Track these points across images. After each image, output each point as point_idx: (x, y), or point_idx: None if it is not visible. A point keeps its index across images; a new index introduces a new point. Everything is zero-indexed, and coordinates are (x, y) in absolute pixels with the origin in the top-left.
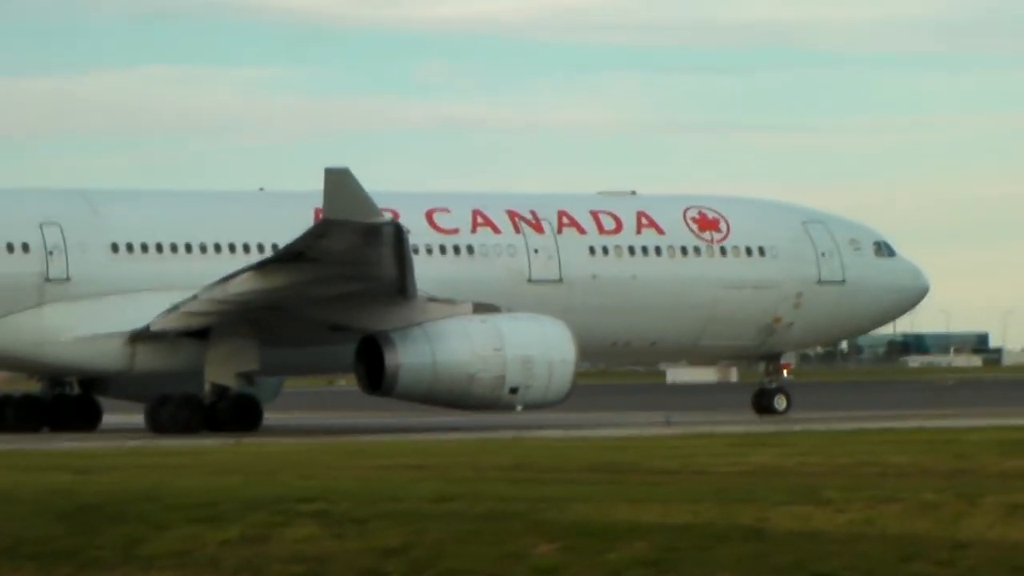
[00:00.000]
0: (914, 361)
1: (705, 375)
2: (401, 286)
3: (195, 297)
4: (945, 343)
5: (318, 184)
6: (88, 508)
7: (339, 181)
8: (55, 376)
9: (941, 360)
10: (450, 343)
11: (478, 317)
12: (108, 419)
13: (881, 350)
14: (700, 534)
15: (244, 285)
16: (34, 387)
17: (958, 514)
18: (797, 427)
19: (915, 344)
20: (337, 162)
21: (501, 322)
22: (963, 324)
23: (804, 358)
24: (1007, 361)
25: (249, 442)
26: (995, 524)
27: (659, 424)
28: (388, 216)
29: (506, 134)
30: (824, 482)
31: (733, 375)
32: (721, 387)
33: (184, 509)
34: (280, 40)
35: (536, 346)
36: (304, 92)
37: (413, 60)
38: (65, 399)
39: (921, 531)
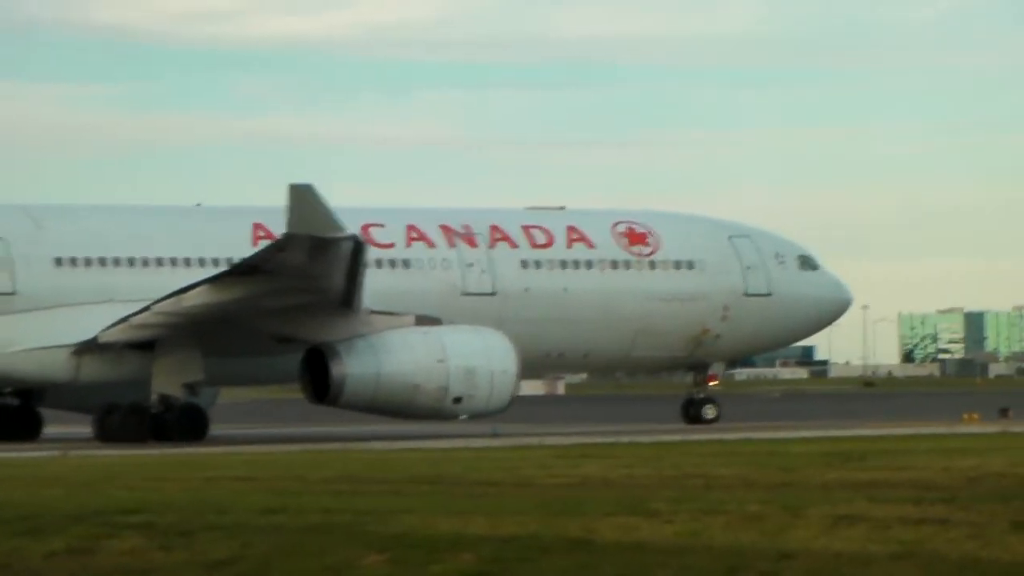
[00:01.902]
0: (740, 373)
1: (532, 388)
2: (347, 299)
3: (147, 310)
4: (771, 356)
5: (134, 197)
6: None
7: (303, 196)
8: (4, 387)
9: (768, 372)
10: (395, 354)
11: (421, 329)
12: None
13: None
14: (526, 546)
15: (199, 298)
16: None
17: (783, 525)
18: (624, 439)
19: None
20: (158, 177)
21: (444, 334)
22: None
23: (631, 372)
24: (833, 373)
25: (76, 454)
26: (819, 535)
27: (485, 436)
28: (349, 231)
29: (321, 150)
30: (651, 494)
31: (560, 388)
32: (548, 400)
33: (6, 522)
34: (97, 57)
35: (478, 357)
36: (121, 108)
37: (228, 77)
38: (5, 409)
39: (746, 542)
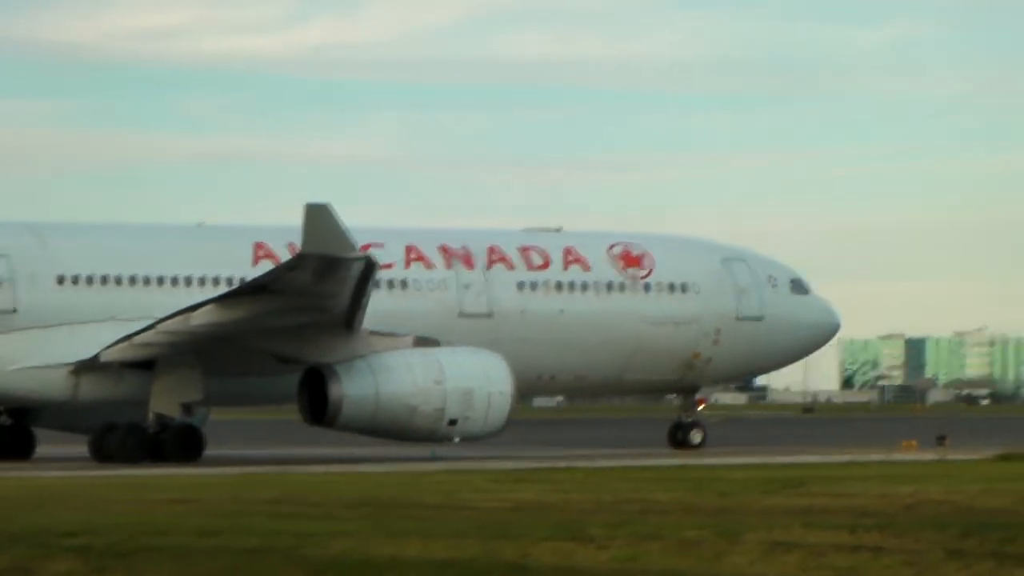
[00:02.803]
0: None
1: None
2: (349, 319)
3: (152, 328)
4: None
5: (84, 215)
6: None
7: (319, 216)
8: (2, 406)
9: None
10: (393, 376)
11: (419, 350)
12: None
13: None
14: (462, 570)
15: (206, 317)
16: None
17: (719, 551)
18: (561, 463)
19: None
20: (108, 195)
21: (442, 355)
22: None
23: (571, 395)
24: (772, 399)
25: (17, 475)
26: (755, 561)
27: (423, 459)
28: (362, 252)
29: (271, 168)
30: (587, 519)
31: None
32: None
33: None
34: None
35: (476, 379)
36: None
37: (180, 95)
38: None
39: (683, 568)
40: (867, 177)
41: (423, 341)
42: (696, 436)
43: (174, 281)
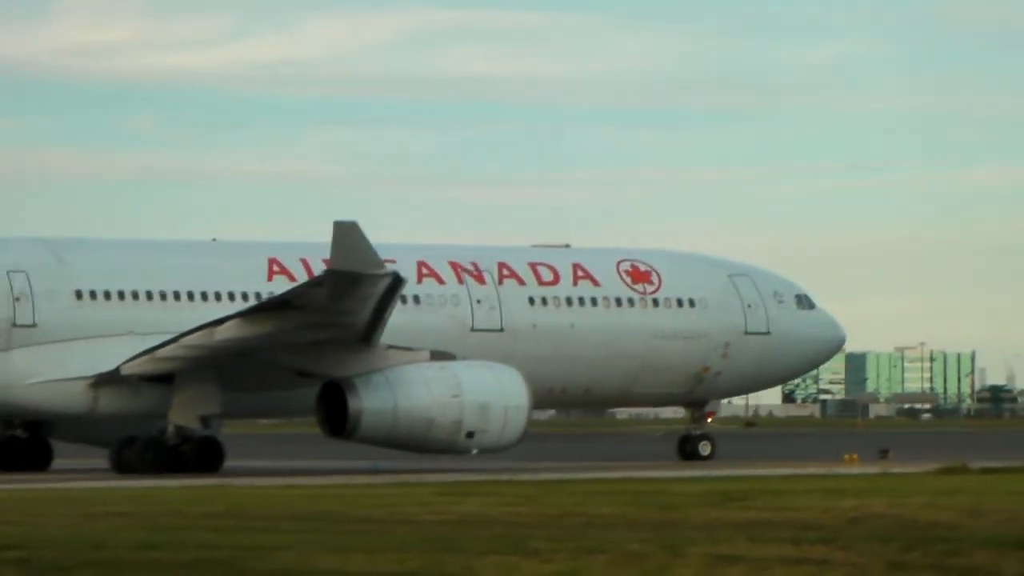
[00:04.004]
0: (622, 413)
1: None
2: (368, 334)
3: (174, 342)
4: None
5: (23, 232)
6: None
7: (347, 233)
8: (21, 419)
9: (649, 412)
10: (411, 389)
11: (436, 364)
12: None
13: None
14: None
15: (230, 332)
16: None
17: (663, 565)
18: (504, 476)
19: None
20: (49, 212)
21: (459, 369)
22: None
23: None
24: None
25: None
26: (700, 574)
27: (366, 472)
28: (390, 268)
29: (214, 185)
30: (531, 532)
31: None
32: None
33: None
34: None
35: (492, 393)
36: (9, 143)
37: (122, 112)
38: (16, 441)
39: None
40: (810, 195)
41: (439, 355)
42: (705, 448)
43: (191, 296)
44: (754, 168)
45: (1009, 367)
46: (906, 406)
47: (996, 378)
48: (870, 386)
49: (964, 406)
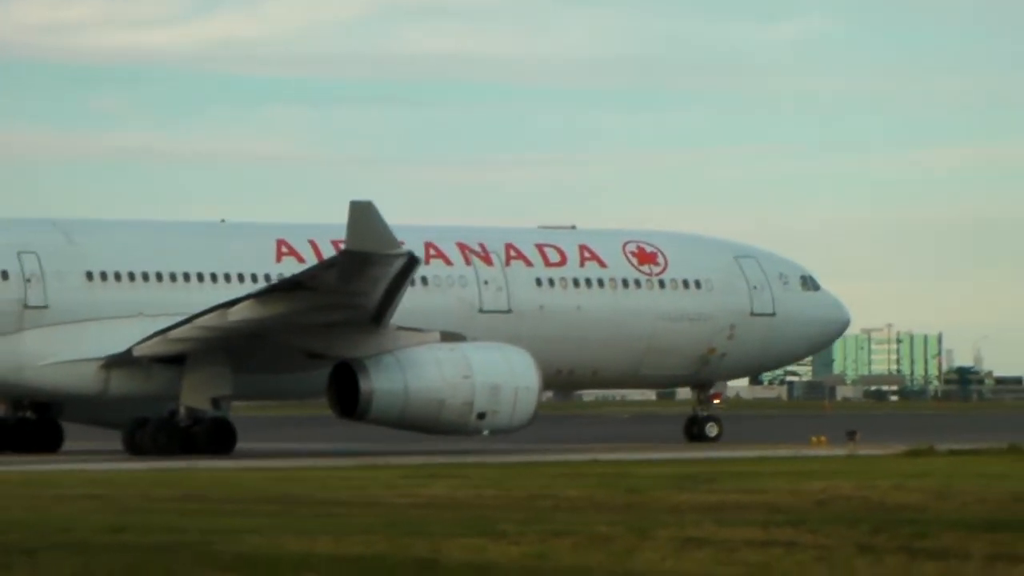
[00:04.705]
0: (589, 395)
1: None
2: (379, 315)
3: (187, 323)
4: None
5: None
6: None
7: (363, 213)
8: (32, 400)
9: (616, 394)
10: (421, 370)
11: (446, 345)
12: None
13: None
14: (373, 566)
15: (243, 313)
16: None
17: (630, 547)
18: (471, 459)
19: None
20: (14, 192)
21: (469, 350)
22: None
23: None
24: (680, 396)
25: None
26: (667, 557)
27: (335, 454)
28: (405, 248)
29: (178, 165)
30: (498, 515)
31: None
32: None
33: None
34: None
35: (503, 374)
36: None
37: (86, 91)
38: (27, 422)
39: (594, 564)
40: (772, 176)
41: (449, 336)
42: (712, 429)
43: (200, 277)
44: (717, 149)
45: (976, 349)
46: (873, 388)
47: (963, 360)
48: (837, 368)
49: (931, 388)
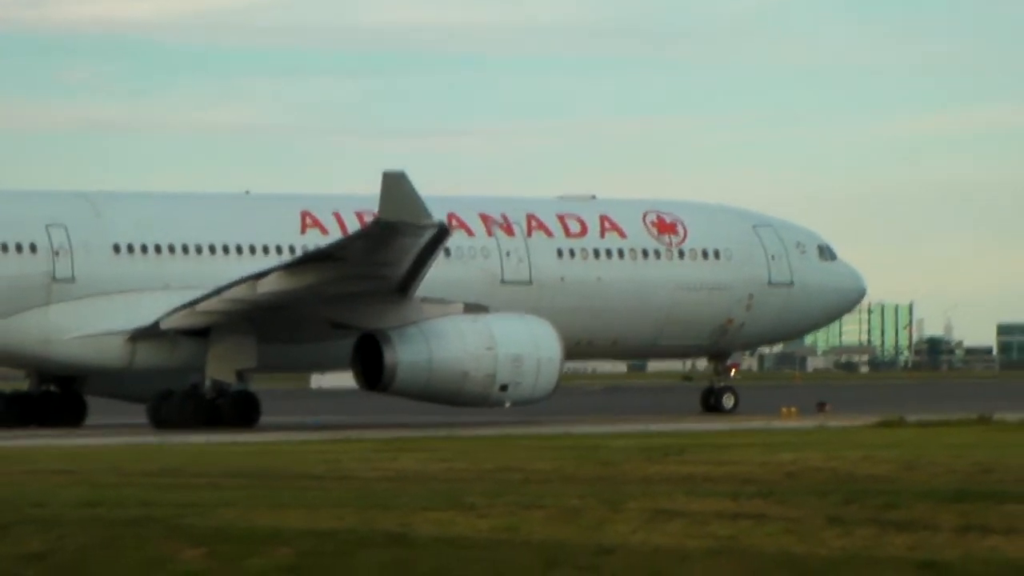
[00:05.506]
0: None
1: (349, 380)
2: (404, 286)
3: (216, 295)
4: None
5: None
6: None
7: (395, 184)
8: (58, 373)
9: (586, 366)
10: (445, 342)
11: (470, 317)
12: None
13: None
14: (343, 540)
15: (272, 284)
16: (22, 385)
17: (601, 520)
18: (442, 432)
19: None
20: None
21: (492, 322)
22: None
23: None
24: (651, 368)
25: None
26: (638, 529)
27: (304, 428)
28: (437, 218)
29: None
30: (468, 488)
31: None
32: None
33: None
34: None
35: (525, 345)
36: None
37: (55, 62)
38: (51, 396)
39: (564, 537)
40: (739, 145)
41: (473, 308)
42: (728, 400)
43: (225, 249)
44: (681, 118)
45: (947, 319)
46: (844, 359)
47: (934, 330)
48: (807, 339)
49: (902, 358)
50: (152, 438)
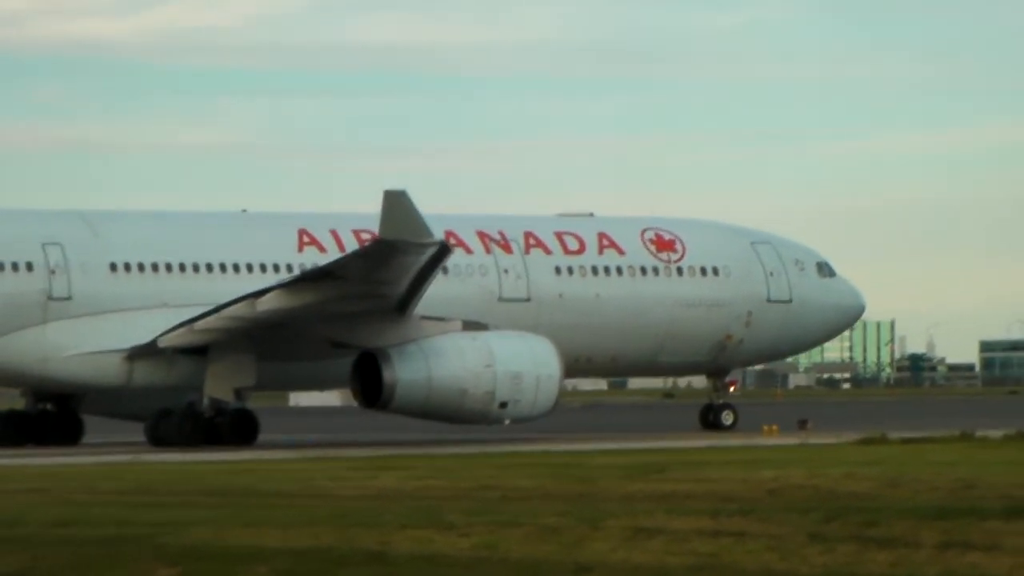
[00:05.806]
0: None
1: (329, 398)
2: (403, 304)
3: (214, 313)
4: None
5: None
6: None
7: (396, 202)
8: (56, 391)
9: (566, 383)
10: (444, 360)
11: (469, 334)
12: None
13: None
14: (321, 558)
15: (272, 303)
16: (18, 404)
17: (580, 538)
18: (419, 451)
19: None
20: None
21: (491, 339)
22: None
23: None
24: (632, 385)
25: None
26: (617, 547)
27: (283, 446)
28: (438, 237)
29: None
30: (447, 506)
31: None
32: (345, 411)
33: None
34: None
35: (524, 362)
36: None
37: (29, 82)
38: (48, 415)
39: (543, 555)
40: (723, 163)
41: (471, 325)
42: (728, 418)
43: (223, 268)
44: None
45: (929, 335)
46: (826, 376)
47: (916, 346)
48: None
49: (884, 375)
50: (125, 456)
